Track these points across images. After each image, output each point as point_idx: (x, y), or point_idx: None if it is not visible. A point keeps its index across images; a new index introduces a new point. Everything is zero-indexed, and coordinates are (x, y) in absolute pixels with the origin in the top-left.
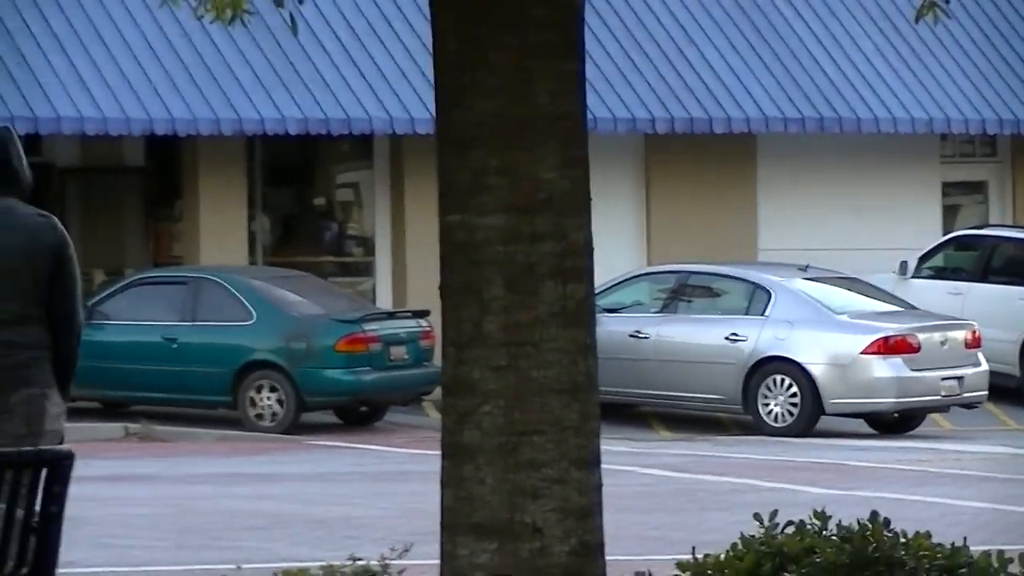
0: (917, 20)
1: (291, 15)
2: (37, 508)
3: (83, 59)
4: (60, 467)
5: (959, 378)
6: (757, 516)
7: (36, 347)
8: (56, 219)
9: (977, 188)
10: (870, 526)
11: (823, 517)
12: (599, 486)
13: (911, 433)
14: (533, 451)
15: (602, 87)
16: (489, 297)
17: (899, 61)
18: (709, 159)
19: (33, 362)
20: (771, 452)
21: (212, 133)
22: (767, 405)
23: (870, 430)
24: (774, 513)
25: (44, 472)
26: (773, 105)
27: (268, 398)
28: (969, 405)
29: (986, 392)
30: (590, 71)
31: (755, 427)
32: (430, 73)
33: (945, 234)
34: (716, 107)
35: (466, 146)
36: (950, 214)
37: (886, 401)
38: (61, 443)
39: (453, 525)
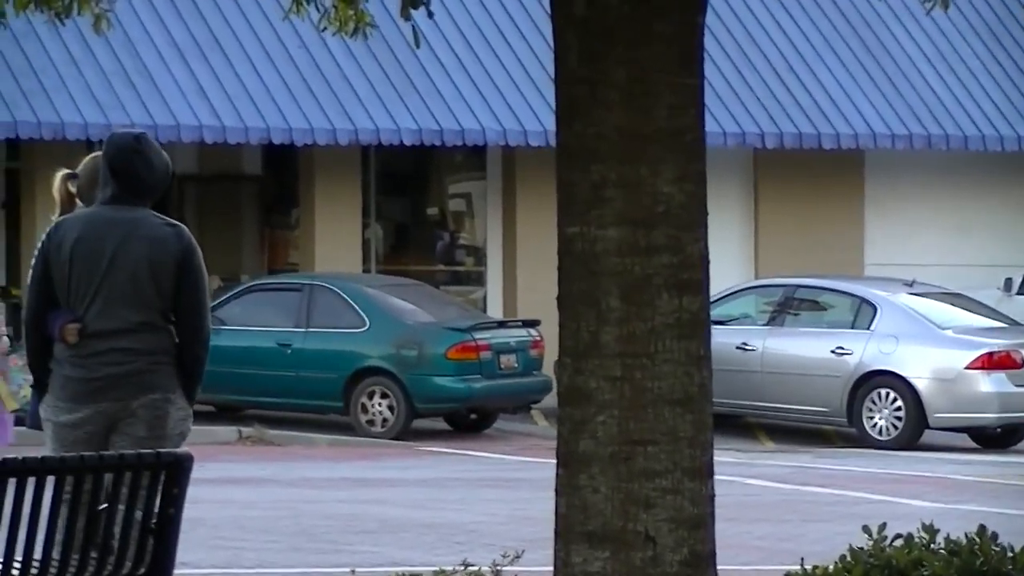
0: (928, 12)
1: (414, 28)
2: (156, 510)
3: (203, 68)
4: (179, 470)
5: None
6: (866, 528)
7: (158, 353)
8: (185, 228)
9: None
10: (978, 540)
11: (931, 530)
12: (711, 496)
13: (1013, 448)
14: (647, 461)
15: (712, 102)
16: (606, 308)
17: (1005, 78)
18: (817, 174)
19: (155, 368)
20: (875, 465)
21: (328, 142)
22: (871, 418)
23: (973, 444)
24: (883, 526)
25: (163, 474)
26: (881, 121)
27: (379, 404)
28: None
29: None
30: None
31: (859, 440)
32: (544, 85)
33: None
34: (825, 123)
35: (586, 159)
36: None
37: (989, 416)
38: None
39: (567, 532)
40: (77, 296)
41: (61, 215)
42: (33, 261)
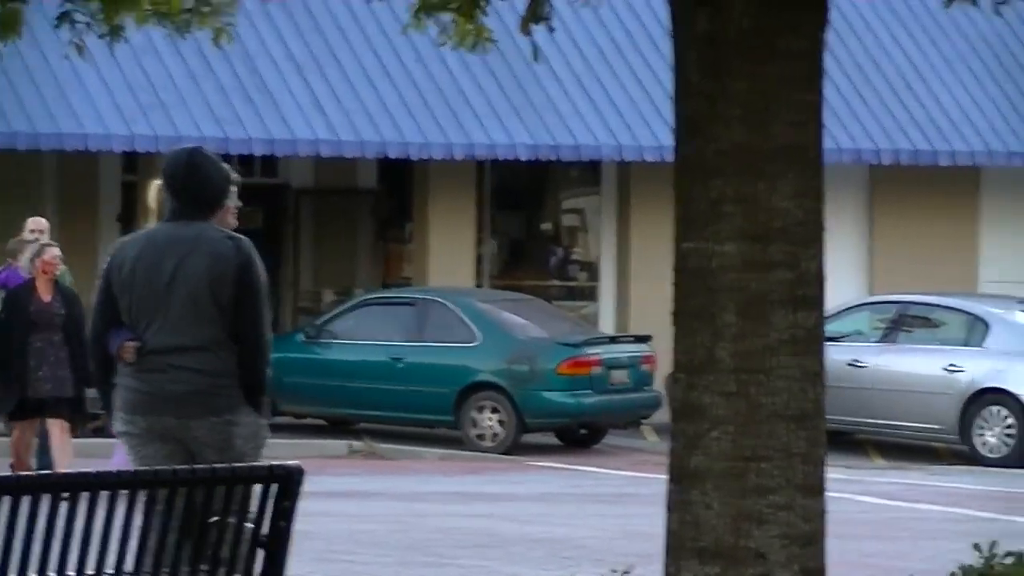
0: (948, 5)
1: (533, 43)
2: (266, 523)
3: (320, 82)
4: (290, 482)
5: None
6: (977, 546)
7: (219, 374)
8: (245, 241)
9: None
10: None
11: None
12: (823, 513)
13: None
14: (760, 477)
15: (829, 118)
16: (722, 323)
17: None
18: (932, 191)
19: (216, 390)
20: (986, 482)
21: (444, 157)
22: (983, 435)
23: None
24: (993, 543)
25: (274, 487)
26: (997, 138)
27: (490, 419)
28: None
29: None
30: None
31: (970, 457)
32: (659, 100)
33: None
34: (941, 140)
35: (704, 174)
36: None
37: None
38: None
39: (678, 548)
40: (139, 315)
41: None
42: (98, 280)
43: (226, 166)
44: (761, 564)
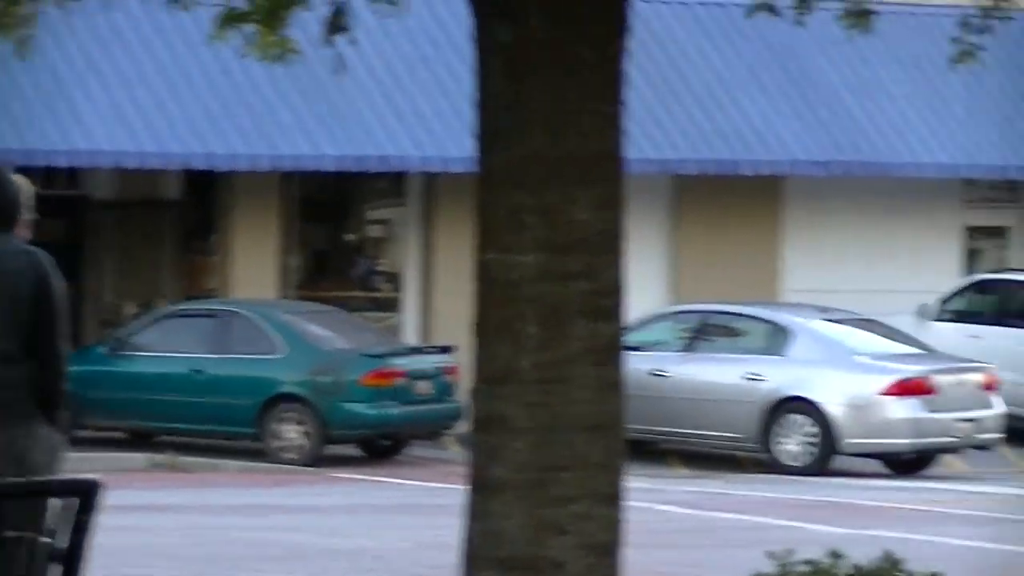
0: (953, 66)
1: (338, 55)
2: (64, 537)
3: (123, 93)
4: (88, 496)
5: (974, 420)
6: (771, 553)
7: (15, 387)
8: (42, 254)
9: (999, 233)
10: (884, 566)
11: (837, 555)
12: (622, 522)
13: (925, 474)
14: (559, 487)
15: (633, 128)
16: (523, 334)
17: (925, 106)
18: (736, 201)
19: (12, 402)
20: (787, 491)
21: (249, 168)
22: (784, 444)
23: (885, 470)
24: (788, 551)
25: (72, 501)
26: (800, 148)
27: (293, 431)
28: (983, 446)
29: (1002, 434)
30: None
31: (771, 465)
32: (465, 113)
33: (966, 277)
34: (744, 150)
35: (505, 185)
36: (971, 258)
37: (902, 442)
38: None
39: (477, 559)
40: None
41: None
42: None
43: (19, 178)
44: (559, 574)
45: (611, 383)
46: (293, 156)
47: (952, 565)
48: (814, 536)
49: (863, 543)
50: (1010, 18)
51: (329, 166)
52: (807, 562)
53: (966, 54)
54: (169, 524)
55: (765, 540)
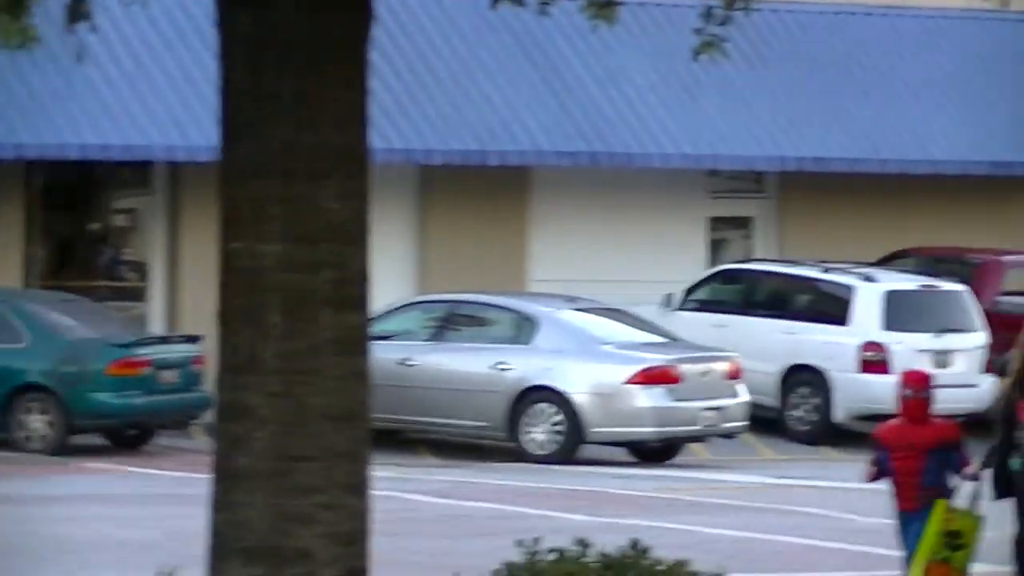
0: (695, 58)
1: (79, 42)
2: None
3: None
4: None
5: (719, 408)
6: (520, 542)
7: None
8: None
9: (743, 223)
10: (631, 553)
11: (585, 544)
12: (368, 512)
13: (671, 462)
14: (305, 477)
15: (380, 118)
16: (267, 324)
17: (671, 97)
18: (483, 191)
19: None
20: (534, 479)
21: None
22: (531, 433)
23: (631, 458)
24: (536, 540)
25: None
26: (547, 139)
27: (38, 420)
28: (728, 435)
29: (746, 423)
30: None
31: (519, 454)
32: (211, 101)
33: (711, 267)
34: (491, 140)
35: (250, 175)
36: (717, 248)
37: (647, 430)
38: None
39: (222, 549)
40: None
41: None
42: None
43: None
44: (305, 563)
45: (357, 372)
46: (36, 145)
47: (698, 552)
48: (562, 524)
49: (610, 531)
50: (754, 10)
51: (73, 155)
52: (555, 550)
53: (708, 45)
54: None
55: (514, 529)
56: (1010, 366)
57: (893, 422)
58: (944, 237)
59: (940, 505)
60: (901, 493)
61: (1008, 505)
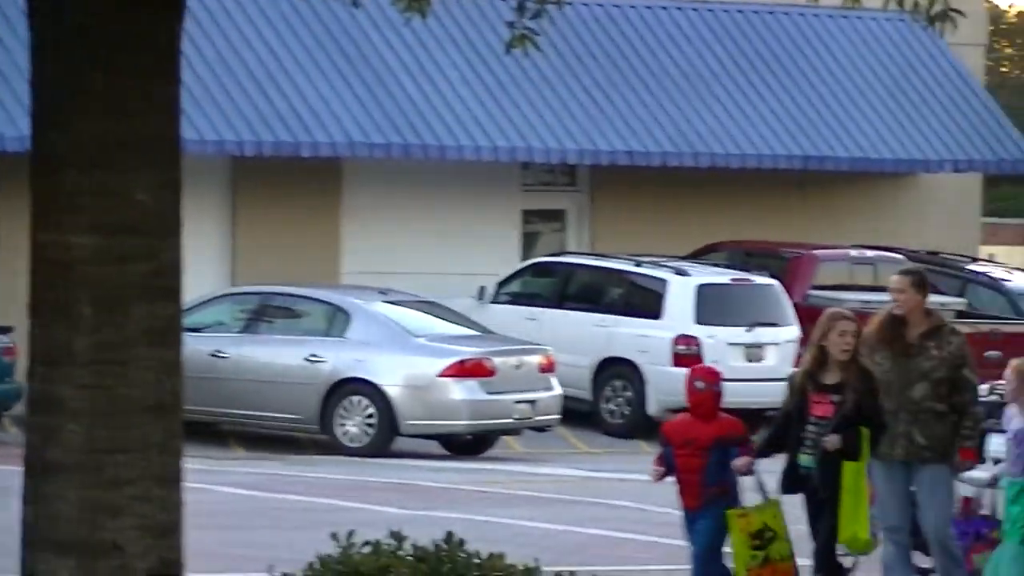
0: (508, 51)
1: None
2: None
3: None
4: None
5: (533, 401)
6: (334, 535)
7: None
8: None
9: (556, 216)
10: (445, 546)
11: (399, 537)
12: (181, 504)
13: (484, 455)
14: (117, 469)
15: (191, 109)
16: (78, 316)
17: (484, 90)
18: (296, 183)
19: None
20: (347, 472)
21: None
22: (344, 425)
23: (445, 451)
24: (351, 533)
25: None
26: (359, 130)
27: None
28: (542, 428)
29: (559, 416)
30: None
31: (332, 447)
32: (23, 92)
33: (524, 261)
34: (304, 131)
35: (61, 165)
36: (530, 241)
37: (460, 423)
38: None
39: (34, 542)
40: None
41: None
42: None
43: None
44: (118, 556)
45: (170, 364)
46: None
47: (511, 546)
48: (375, 517)
49: (424, 524)
50: (566, 3)
51: None
52: (369, 543)
53: (521, 39)
54: None
55: (328, 521)
56: (805, 358)
57: (680, 417)
58: (756, 232)
59: (731, 516)
60: (685, 491)
61: (798, 500)
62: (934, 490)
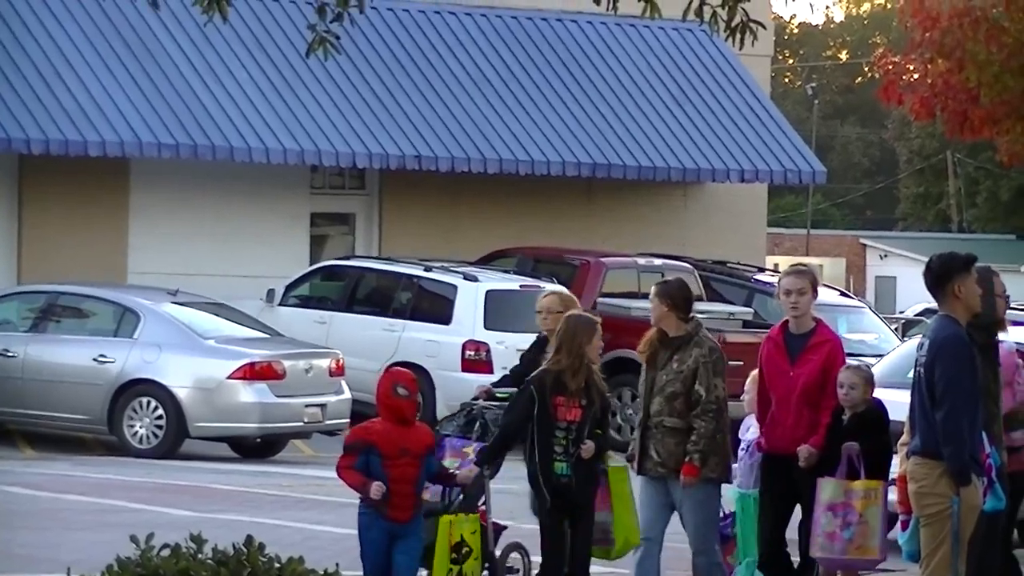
0: (308, 55)
1: None
2: None
3: None
4: None
5: (322, 405)
6: (133, 538)
7: None
8: None
9: (345, 220)
10: (246, 550)
11: (199, 540)
12: None
13: (274, 458)
14: None
15: None
16: None
17: (273, 92)
18: (84, 182)
19: None
20: (135, 473)
21: None
22: (132, 427)
23: (233, 454)
24: (150, 536)
25: None
26: (148, 130)
27: None
28: (331, 432)
29: (348, 419)
30: None
31: (120, 448)
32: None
33: (313, 264)
34: (91, 130)
35: None
36: (319, 244)
37: (250, 426)
38: None
39: None
40: None
41: None
42: None
43: None
44: None
45: None
46: None
47: (304, 549)
48: (166, 519)
49: (214, 526)
50: (367, 7)
51: None
52: (168, 546)
53: (321, 42)
54: None
55: (117, 523)
56: (549, 360)
57: (377, 423)
58: (544, 238)
59: (443, 522)
60: (396, 502)
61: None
62: (684, 502)
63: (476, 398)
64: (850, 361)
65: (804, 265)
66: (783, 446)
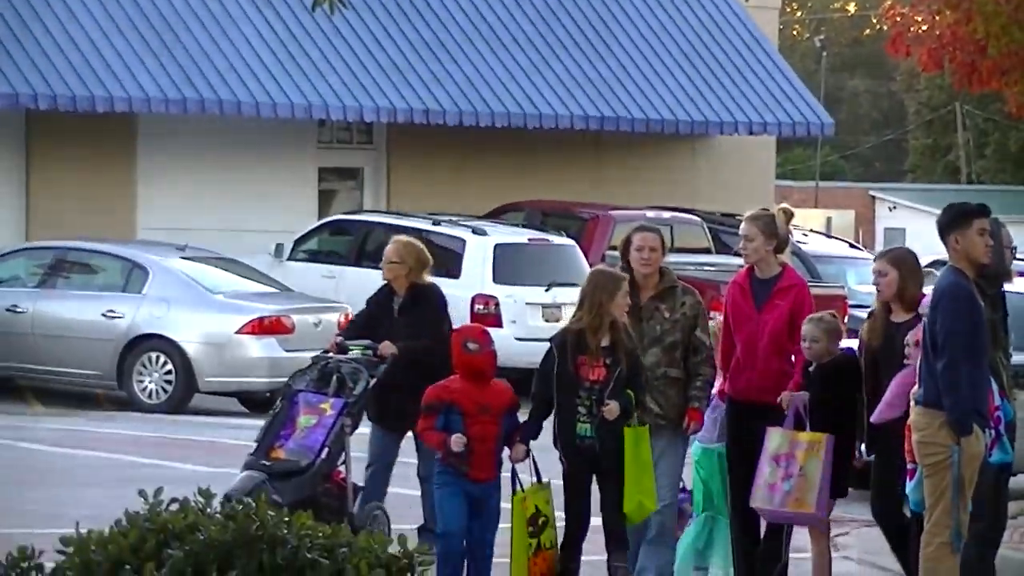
0: (314, 8)
1: None
2: None
3: None
4: None
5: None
6: (142, 492)
7: None
8: None
9: (352, 174)
10: (254, 504)
11: (208, 495)
12: None
13: None
14: None
15: None
16: None
17: (279, 46)
18: (91, 137)
19: None
20: (146, 428)
21: None
22: (142, 382)
23: (243, 408)
24: (159, 490)
25: None
26: (155, 85)
27: None
28: None
29: None
30: None
31: (130, 403)
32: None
33: (321, 218)
34: (98, 85)
35: None
36: (327, 199)
37: (259, 380)
38: None
39: None
40: None
41: None
42: None
43: None
44: None
45: None
46: None
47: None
48: (177, 474)
49: (224, 481)
50: None
51: None
52: (177, 500)
53: None
54: None
55: (129, 478)
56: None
57: (455, 381)
58: (553, 192)
59: (517, 499)
60: (477, 462)
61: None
62: (667, 452)
63: (327, 351)
64: (815, 314)
65: (765, 209)
66: (749, 394)
